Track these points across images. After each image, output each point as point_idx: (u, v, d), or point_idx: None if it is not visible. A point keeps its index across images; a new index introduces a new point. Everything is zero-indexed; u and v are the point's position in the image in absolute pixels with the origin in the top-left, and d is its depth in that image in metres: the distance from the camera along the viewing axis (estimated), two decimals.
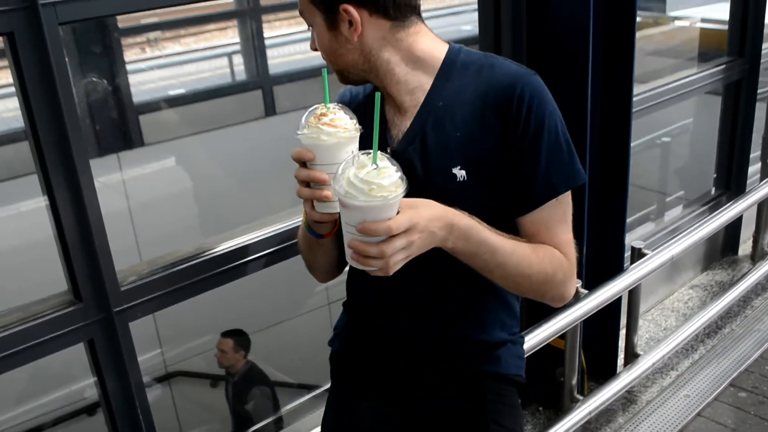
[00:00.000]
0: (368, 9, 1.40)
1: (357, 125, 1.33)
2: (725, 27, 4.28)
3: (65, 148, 1.80)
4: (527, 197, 1.45)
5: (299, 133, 1.33)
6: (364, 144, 1.30)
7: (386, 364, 1.68)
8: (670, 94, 3.76)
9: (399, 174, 1.21)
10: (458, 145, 1.42)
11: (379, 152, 1.21)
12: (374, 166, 1.20)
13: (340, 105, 1.35)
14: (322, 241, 1.54)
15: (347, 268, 1.74)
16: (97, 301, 1.99)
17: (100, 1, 1.78)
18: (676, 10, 6.95)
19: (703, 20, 5.65)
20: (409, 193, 1.22)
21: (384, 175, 1.19)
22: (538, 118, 1.41)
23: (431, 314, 1.60)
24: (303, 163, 1.34)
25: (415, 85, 1.48)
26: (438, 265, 1.39)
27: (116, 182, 5.53)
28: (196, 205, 5.64)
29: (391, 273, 1.26)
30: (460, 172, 1.42)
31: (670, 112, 4.09)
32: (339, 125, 1.30)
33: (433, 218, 1.28)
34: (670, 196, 5.25)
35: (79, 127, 1.80)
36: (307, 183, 1.34)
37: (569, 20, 2.69)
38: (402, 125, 1.50)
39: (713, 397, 3.24)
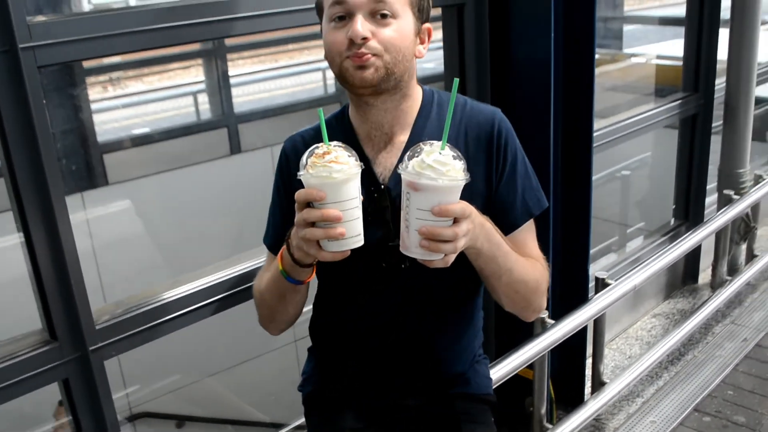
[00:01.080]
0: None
1: (357, 161, 1.34)
2: (680, 63, 4.42)
3: (42, 187, 1.81)
4: (509, 220, 1.58)
5: (302, 173, 1.32)
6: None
7: (413, 367, 1.70)
8: (630, 129, 3.86)
9: (462, 162, 1.29)
10: None
11: (439, 142, 1.28)
12: (441, 152, 1.27)
13: (342, 144, 1.35)
14: (299, 287, 1.56)
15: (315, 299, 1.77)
16: (72, 340, 1.98)
17: (78, 45, 1.81)
18: (631, 47, 7.17)
19: (659, 57, 5.82)
20: None
21: (453, 160, 1.27)
22: (512, 150, 1.57)
23: (454, 314, 1.68)
24: (307, 204, 1.33)
25: (402, 120, 1.58)
26: (460, 269, 1.44)
27: (80, 221, 5.49)
28: (159, 245, 5.61)
29: (450, 263, 1.32)
30: None
31: (629, 146, 4.19)
32: (343, 162, 1.31)
33: (476, 213, 1.37)
34: (631, 228, 5.35)
35: (57, 167, 1.82)
36: (312, 223, 1.33)
37: (532, 59, 2.77)
38: (387, 162, 1.56)
39: (678, 422, 3.30)
